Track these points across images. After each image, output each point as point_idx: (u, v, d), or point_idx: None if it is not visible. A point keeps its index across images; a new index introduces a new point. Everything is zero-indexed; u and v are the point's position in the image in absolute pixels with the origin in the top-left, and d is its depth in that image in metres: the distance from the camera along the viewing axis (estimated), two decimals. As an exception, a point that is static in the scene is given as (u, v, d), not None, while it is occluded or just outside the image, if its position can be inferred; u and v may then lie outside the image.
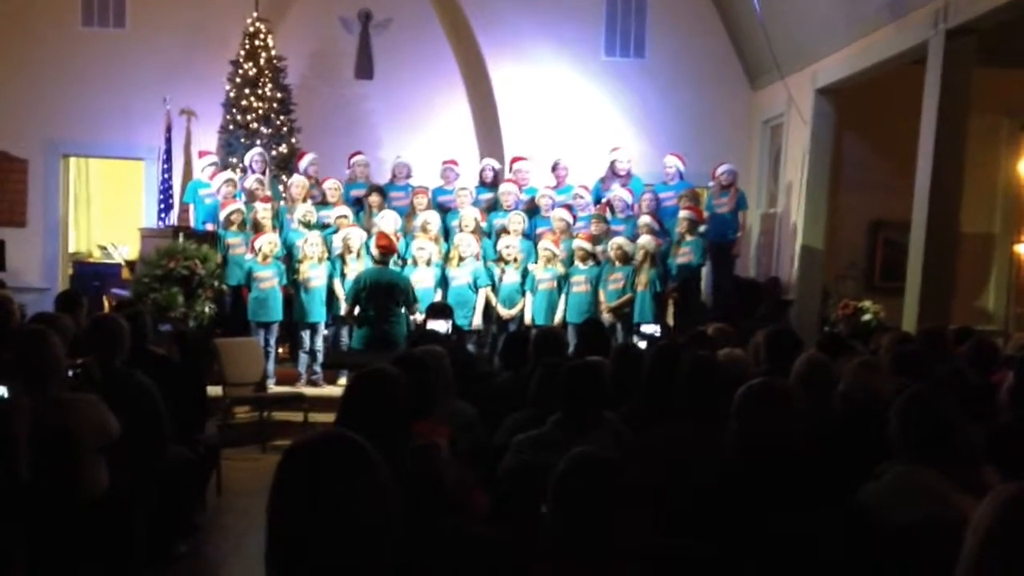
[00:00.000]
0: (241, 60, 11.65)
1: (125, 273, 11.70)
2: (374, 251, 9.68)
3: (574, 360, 5.01)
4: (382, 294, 9.10)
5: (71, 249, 13.71)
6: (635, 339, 9.15)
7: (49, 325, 4.89)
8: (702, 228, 10.66)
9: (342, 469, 1.95)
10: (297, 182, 10.82)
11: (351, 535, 1.90)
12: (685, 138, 12.44)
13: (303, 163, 11.36)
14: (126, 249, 13.10)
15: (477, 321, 10.22)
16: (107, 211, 15.05)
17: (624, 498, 2.46)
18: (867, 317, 10.04)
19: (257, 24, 11.73)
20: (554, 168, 11.73)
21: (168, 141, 12.18)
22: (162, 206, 12.08)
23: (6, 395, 4.17)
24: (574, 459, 2.54)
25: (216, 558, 6.10)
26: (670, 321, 10.37)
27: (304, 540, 1.90)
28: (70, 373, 4.88)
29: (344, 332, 10.24)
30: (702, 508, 3.24)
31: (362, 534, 1.92)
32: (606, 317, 10.03)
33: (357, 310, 9.27)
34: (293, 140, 11.91)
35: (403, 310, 9.27)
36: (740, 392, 3.54)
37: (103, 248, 14.05)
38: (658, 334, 8.20)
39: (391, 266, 9.63)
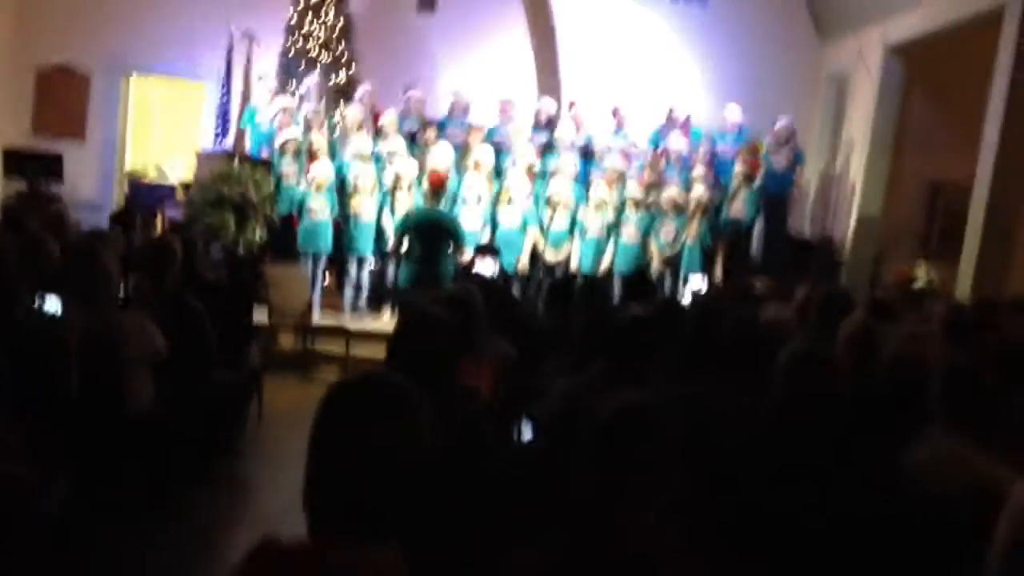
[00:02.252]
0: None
1: (180, 194, 11.81)
2: (425, 187, 9.67)
3: (621, 311, 5.00)
4: (429, 232, 9.08)
5: (128, 167, 13.85)
6: (682, 291, 9.12)
7: (102, 242, 4.97)
8: (757, 183, 10.54)
9: (384, 410, 1.99)
10: (351, 113, 10.81)
11: (390, 473, 1.94)
12: (747, 89, 12.21)
13: (358, 93, 11.34)
14: (181, 170, 13.21)
15: (524, 264, 10.20)
16: (166, 131, 15.15)
17: (667, 449, 2.46)
18: (920, 283, 9.88)
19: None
20: (614, 113, 11.58)
21: (228, 64, 12.20)
22: (219, 129, 12.14)
23: (59, 311, 4.25)
24: (621, 405, 2.53)
25: (253, 481, 6.22)
26: (718, 274, 10.30)
27: (344, 476, 1.94)
28: (122, 292, 4.97)
29: (391, 268, 10.28)
30: (735, 468, 3.24)
31: (400, 472, 1.95)
32: (656, 266, 9.99)
33: (405, 247, 9.28)
34: (352, 70, 11.87)
35: (450, 249, 9.26)
36: (784, 353, 3.50)
37: (159, 168, 14.18)
38: (703, 288, 8.16)
39: (442, 204, 9.62)
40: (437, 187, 9.40)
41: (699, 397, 3.91)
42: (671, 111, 11.40)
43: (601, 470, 2.47)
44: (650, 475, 2.45)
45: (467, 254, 9.40)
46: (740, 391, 3.91)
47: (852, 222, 11.09)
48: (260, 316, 8.53)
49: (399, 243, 9.31)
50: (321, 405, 2.01)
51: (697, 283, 8.25)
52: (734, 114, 11.25)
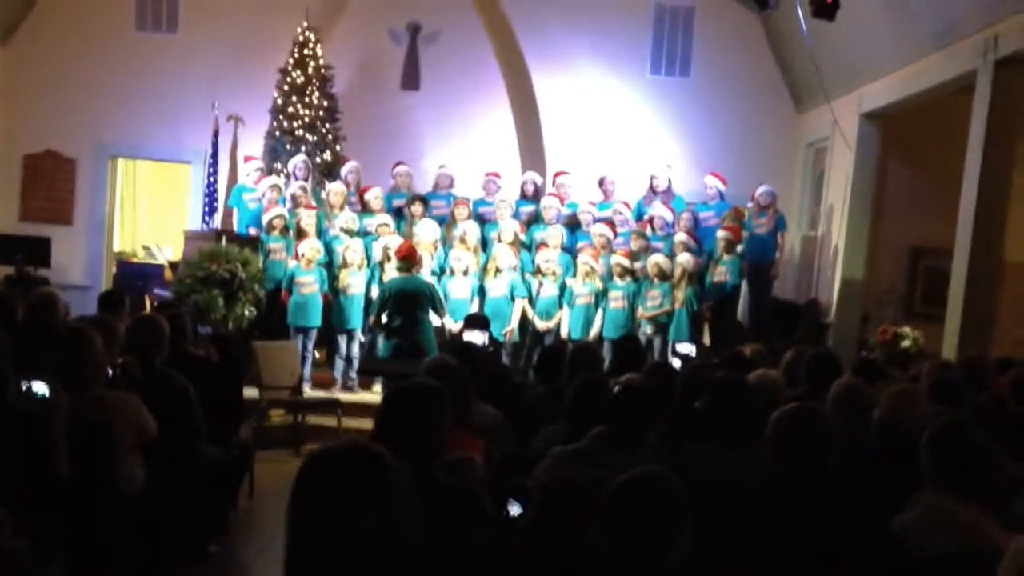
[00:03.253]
0: (290, 68, 11.77)
1: (168, 274, 11.82)
2: (396, 261, 9.68)
3: (616, 378, 5.01)
4: (408, 302, 9.10)
5: (115, 248, 13.88)
6: (671, 358, 9.12)
7: (96, 327, 4.96)
8: (739, 248, 10.61)
9: (358, 479, 1.95)
10: (335, 189, 10.89)
11: (367, 545, 1.90)
12: (728, 158, 12.38)
13: (343, 170, 11.44)
14: (169, 250, 13.25)
15: (513, 333, 10.22)
16: (152, 212, 15.23)
17: (680, 518, 2.46)
18: (906, 343, 9.92)
19: (307, 33, 11.84)
20: (600, 183, 11.73)
21: (215, 146, 12.31)
22: (206, 209, 12.21)
23: (47, 393, 4.23)
24: (635, 476, 2.53)
25: (246, 558, 6.14)
26: (706, 340, 10.31)
27: (320, 549, 1.90)
28: (110, 372, 4.95)
29: (380, 339, 10.27)
30: (730, 532, 3.22)
31: (378, 544, 1.91)
32: (644, 328, 10.02)
33: (385, 319, 9.27)
34: (338, 148, 11.99)
35: (431, 317, 9.26)
36: (775, 416, 3.51)
37: (147, 249, 14.21)
38: (693, 353, 8.16)
39: (423, 273, 9.65)
40: (406, 257, 9.40)
41: (701, 456, 3.91)
42: (653, 181, 11.52)
43: (611, 536, 2.46)
44: (659, 541, 2.45)
45: (447, 319, 9.49)
46: (727, 452, 3.91)
47: (836, 285, 11.14)
48: (251, 392, 8.48)
49: (379, 315, 9.31)
50: (295, 477, 1.98)
51: (686, 348, 8.25)
52: (714, 183, 11.37)
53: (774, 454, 3.46)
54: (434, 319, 9.37)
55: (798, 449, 3.39)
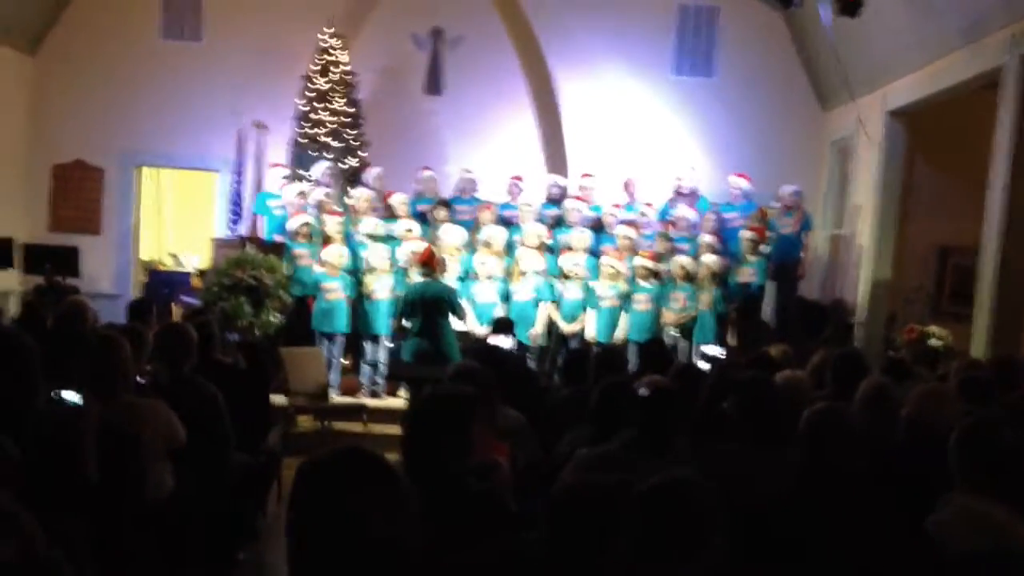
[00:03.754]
0: (313, 75, 11.82)
1: (195, 282, 11.91)
2: (417, 267, 9.71)
3: (639, 380, 5.00)
4: (428, 307, 9.13)
5: (143, 257, 13.99)
6: (697, 360, 9.09)
7: (125, 335, 5.00)
8: (765, 248, 10.57)
9: (355, 485, 1.93)
10: (361, 195, 10.92)
11: (366, 553, 1.88)
12: (753, 158, 12.33)
13: (368, 176, 11.49)
14: (196, 258, 13.34)
15: (538, 336, 10.22)
16: (180, 221, 15.34)
17: (711, 523, 2.44)
18: (934, 343, 9.83)
19: (330, 40, 11.90)
20: (626, 186, 11.71)
21: (240, 153, 12.39)
22: (232, 217, 12.29)
23: (79, 402, 4.26)
24: (665, 480, 2.52)
25: (275, 565, 6.15)
26: (732, 341, 10.27)
27: (319, 559, 1.89)
28: (139, 380, 4.98)
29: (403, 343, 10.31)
30: (756, 531, 3.20)
31: (377, 552, 1.89)
32: (668, 335, 9.99)
33: (408, 324, 9.30)
34: (362, 153, 12.04)
35: (449, 321, 9.27)
36: (806, 416, 3.49)
37: (174, 257, 14.32)
38: (721, 355, 8.14)
39: (444, 278, 9.67)
40: (425, 262, 9.43)
41: (726, 455, 3.89)
42: (678, 182, 11.50)
43: (639, 543, 2.44)
44: (690, 547, 2.43)
45: (472, 323, 9.56)
46: (754, 454, 3.89)
47: (863, 284, 11.07)
48: (278, 398, 8.53)
49: (400, 320, 9.36)
50: (292, 485, 1.96)
51: (712, 350, 8.22)
52: (739, 183, 11.33)
53: (803, 453, 3.45)
54: (458, 323, 9.39)
55: (828, 449, 3.39)
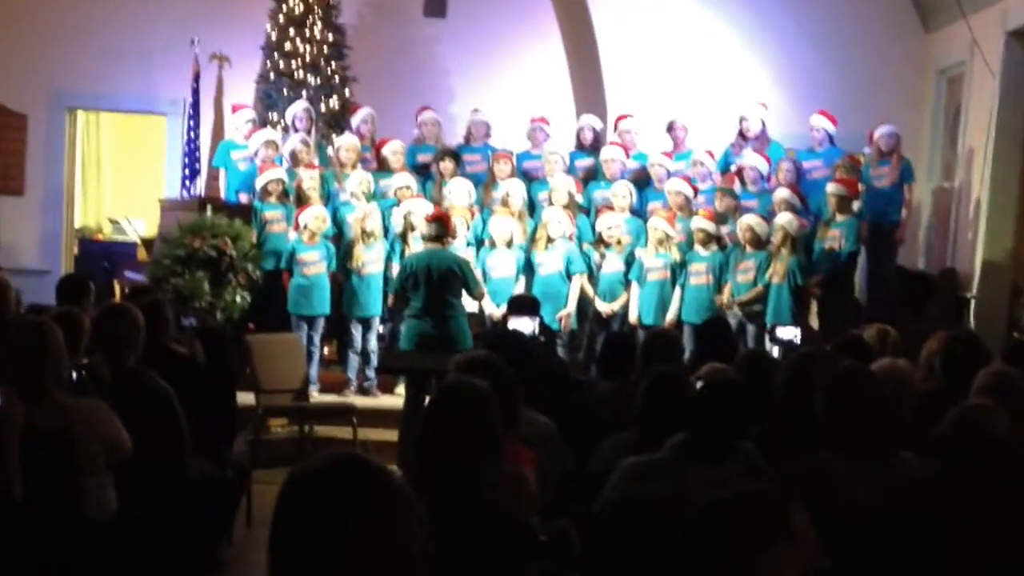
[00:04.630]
0: (285, -7, 11.83)
1: (141, 254, 11.94)
2: (423, 228, 9.64)
3: (699, 372, 4.99)
4: (436, 281, 9.10)
5: (77, 224, 14.03)
6: (768, 345, 9.06)
7: (56, 320, 5.00)
8: (856, 205, 10.51)
9: (354, 501, 1.94)
10: (346, 144, 10.91)
11: None
12: (838, 93, 12.23)
13: (355, 120, 11.47)
14: (142, 224, 13.37)
15: (570, 319, 10.20)
16: (121, 178, 15.38)
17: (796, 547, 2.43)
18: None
19: (306, -52, 11.88)
20: (669, 129, 11.65)
21: (196, 93, 12.37)
22: (187, 172, 12.29)
23: (0, 402, 4.27)
24: (729, 496, 2.50)
25: (244, 603, 6.19)
26: (814, 323, 10.23)
27: None
28: (74, 375, 4.99)
29: (401, 326, 10.30)
30: (856, 558, 3.20)
31: None
32: (732, 313, 9.95)
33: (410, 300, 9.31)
34: (347, 92, 12.01)
35: (464, 300, 9.28)
36: (953, 419, 3.52)
37: (115, 223, 14.36)
38: (798, 340, 8.10)
39: (455, 247, 9.66)
40: (437, 220, 9.38)
41: (813, 467, 3.88)
42: (742, 123, 11.42)
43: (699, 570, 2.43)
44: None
45: (486, 302, 9.54)
46: (849, 463, 3.88)
47: (979, 250, 11.00)
48: (246, 397, 8.54)
49: (399, 295, 9.36)
50: (276, 501, 1.97)
51: (788, 333, 8.19)
52: (822, 123, 11.25)
53: (944, 463, 3.44)
54: (468, 303, 9.37)
55: (980, 458, 3.39)
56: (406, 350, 9.23)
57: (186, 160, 12.34)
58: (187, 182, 12.27)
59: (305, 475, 2.00)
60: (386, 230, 10.31)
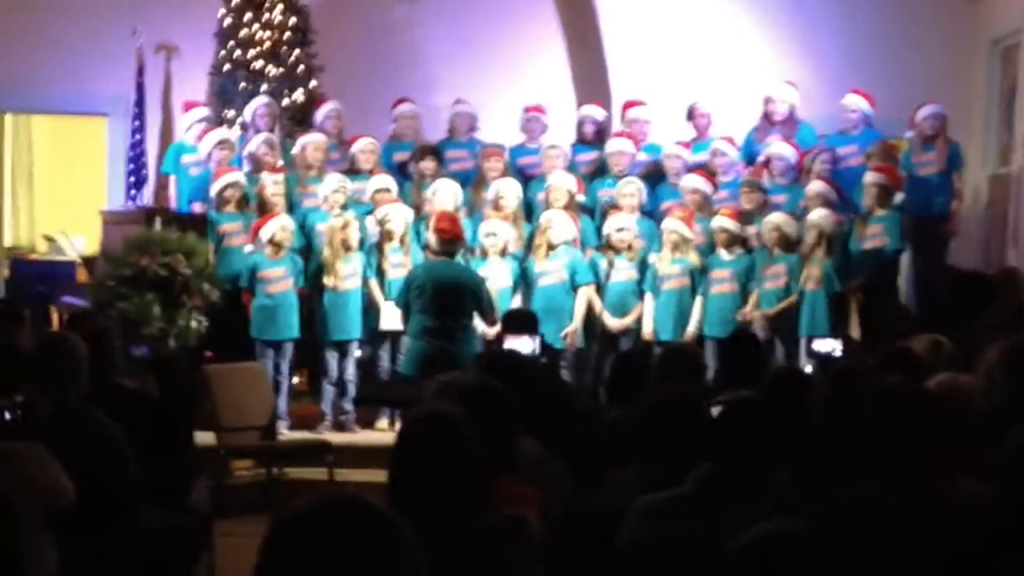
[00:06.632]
0: (241, -28, 11.85)
1: (82, 275, 11.92)
2: (430, 238, 9.68)
3: (721, 391, 4.98)
4: (445, 298, 9.14)
5: (7, 242, 14.02)
6: (804, 360, 9.06)
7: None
8: (899, 198, 10.52)
9: (349, 546, 1.95)
10: (313, 143, 10.93)
11: None
12: (874, 69, 12.25)
13: (319, 115, 11.49)
14: (82, 241, 13.35)
15: (575, 336, 10.20)
16: (57, 189, 15.35)
17: None
18: None
19: (261, -79, 11.91)
20: (690, 116, 11.66)
21: (140, 89, 12.37)
22: (132, 180, 12.28)
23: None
24: (762, 535, 2.51)
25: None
26: (854, 333, 10.22)
27: None
28: (6, 415, 4.99)
29: (385, 353, 10.30)
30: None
31: None
32: (759, 327, 9.94)
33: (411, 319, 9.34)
34: (313, 83, 12.01)
35: (474, 322, 9.30)
36: (1010, 444, 3.54)
37: (51, 240, 14.33)
38: (837, 352, 8.09)
39: (457, 259, 9.66)
40: (448, 238, 9.40)
41: (858, 502, 3.88)
42: (768, 104, 11.41)
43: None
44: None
45: (497, 326, 9.49)
46: (898, 494, 3.87)
47: (1043, 244, 11.01)
48: (206, 437, 8.53)
49: (406, 312, 9.37)
50: (261, 547, 1.98)
51: (826, 345, 8.18)
52: (858, 103, 11.27)
53: (1006, 491, 3.48)
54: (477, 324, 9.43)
55: None
56: (409, 376, 9.24)
57: (131, 166, 12.31)
58: (132, 191, 12.25)
59: (295, 519, 2.01)
60: (361, 240, 10.30)
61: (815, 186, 10.44)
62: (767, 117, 11.50)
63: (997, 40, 12.48)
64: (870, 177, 10.39)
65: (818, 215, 10.13)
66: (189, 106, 11.88)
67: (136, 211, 11.40)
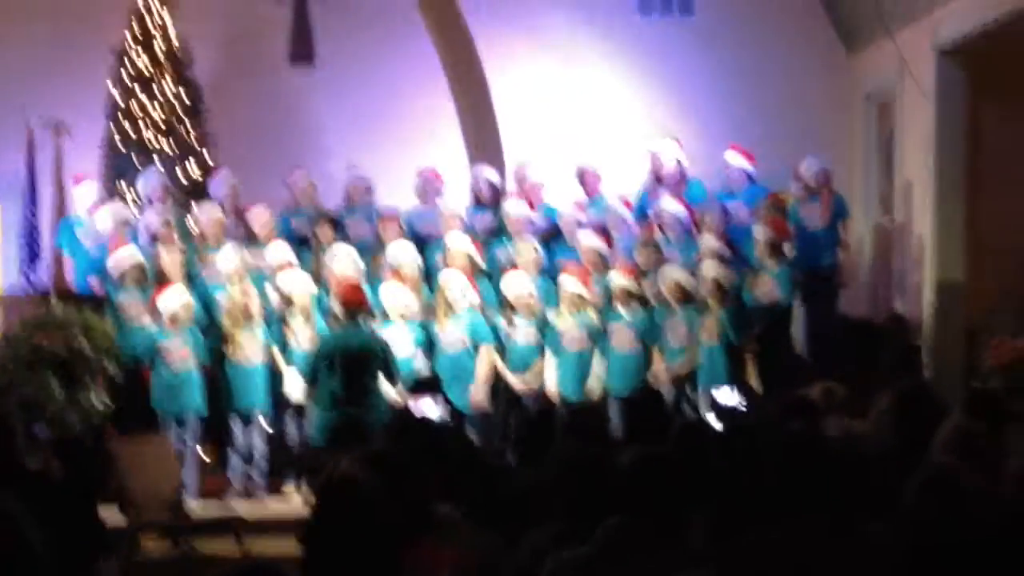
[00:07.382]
0: (130, 49, 11.75)
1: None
2: (334, 307, 9.66)
3: (626, 447, 5.00)
4: (353, 366, 9.12)
5: None
6: (706, 413, 9.12)
7: None
8: (788, 250, 10.65)
9: None
10: (208, 216, 10.87)
11: None
12: (756, 125, 12.38)
13: (214, 186, 11.44)
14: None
15: (479, 397, 10.20)
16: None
17: None
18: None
19: (149, -1, 11.85)
20: (580, 177, 11.74)
21: (31, 167, 12.21)
22: (27, 259, 12.11)
23: None
24: None
25: None
26: (753, 383, 10.29)
27: None
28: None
29: (291, 421, 10.21)
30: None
31: None
32: (664, 386, 9.99)
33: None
34: (205, 154, 11.94)
35: (381, 386, 9.28)
36: (915, 485, 3.58)
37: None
38: (740, 405, 8.17)
39: (361, 325, 9.64)
40: (352, 306, 9.39)
41: (768, 545, 3.92)
42: (655, 162, 11.52)
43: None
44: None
45: (385, 386, 9.50)
46: (805, 538, 3.92)
47: (927, 291, 11.16)
48: (112, 515, 8.39)
49: (312, 383, 9.32)
50: None
51: (726, 396, 8.26)
52: (737, 161, 11.43)
53: (909, 532, 3.51)
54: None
55: (948, 524, 3.45)
56: (316, 445, 9.16)
57: (25, 245, 12.15)
58: (28, 270, 12.08)
59: None
60: (264, 310, 10.23)
61: (708, 241, 10.54)
62: (655, 174, 11.60)
63: (871, 95, 12.73)
64: (760, 231, 10.50)
65: (711, 268, 10.22)
66: (79, 179, 11.74)
67: (34, 293, 11.25)
